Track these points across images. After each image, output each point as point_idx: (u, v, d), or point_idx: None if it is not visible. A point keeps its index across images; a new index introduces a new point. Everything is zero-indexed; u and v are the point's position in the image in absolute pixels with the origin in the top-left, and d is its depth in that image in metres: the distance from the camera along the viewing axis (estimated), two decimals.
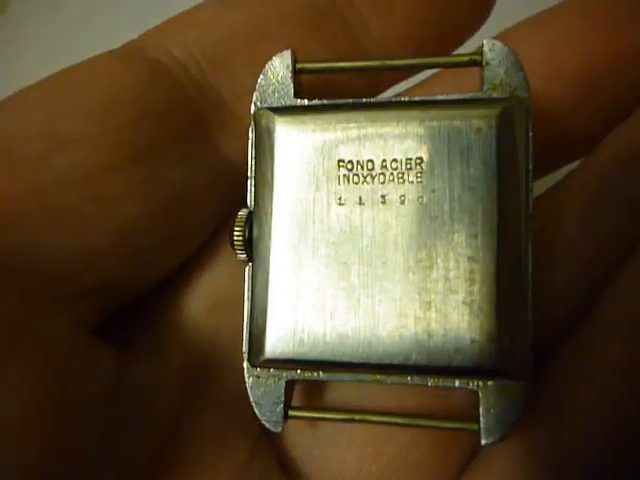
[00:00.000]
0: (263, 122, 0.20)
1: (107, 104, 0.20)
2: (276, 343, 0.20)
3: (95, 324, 0.21)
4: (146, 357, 0.22)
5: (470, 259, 0.19)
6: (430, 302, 0.19)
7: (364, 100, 0.20)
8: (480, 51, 0.20)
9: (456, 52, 0.24)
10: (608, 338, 0.20)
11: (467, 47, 0.23)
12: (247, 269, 0.21)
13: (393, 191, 0.19)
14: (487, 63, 0.20)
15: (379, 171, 0.20)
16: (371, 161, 0.20)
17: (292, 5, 0.22)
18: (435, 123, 0.19)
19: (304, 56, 0.21)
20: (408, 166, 0.19)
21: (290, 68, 0.21)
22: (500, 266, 0.19)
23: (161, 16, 0.23)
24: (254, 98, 0.21)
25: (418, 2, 0.23)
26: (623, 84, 0.22)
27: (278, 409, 0.20)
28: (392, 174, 0.19)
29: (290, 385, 0.21)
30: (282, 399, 0.20)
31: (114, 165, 0.19)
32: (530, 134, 0.19)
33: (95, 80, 0.20)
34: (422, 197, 0.19)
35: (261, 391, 0.20)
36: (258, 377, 0.20)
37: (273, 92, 0.21)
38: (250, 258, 0.20)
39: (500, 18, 0.24)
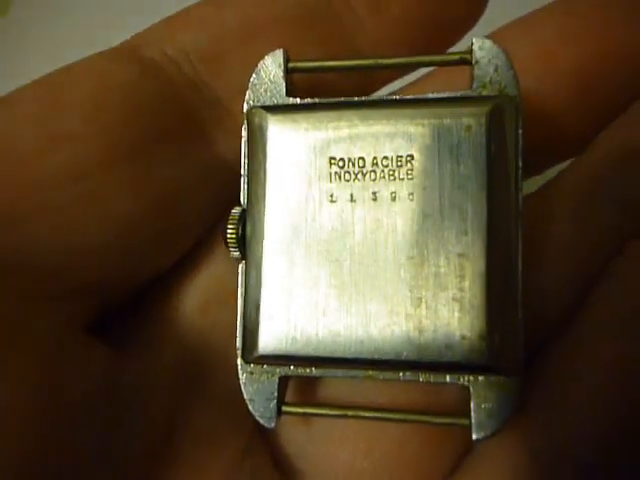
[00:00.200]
0: (256, 120, 0.21)
1: (99, 103, 0.20)
2: (269, 340, 0.20)
3: (89, 323, 0.21)
4: (140, 355, 0.22)
5: (460, 256, 0.19)
6: (421, 299, 0.19)
7: (356, 99, 0.20)
8: (470, 50, 0.20)
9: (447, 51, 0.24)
10: (598, 337, 0.20)
11: (463, 46, 0.23)
12: (241, 266, 0.21)
13: (384, 188, 0.20)
14: (477, 61, 0.20)
15: (370, 168, 0.20)
16: (362, 159, 0.20)
17: (286, 4, 0.22)
18: (425, 121, 0.19)
19: (298, 55, 0.21)
20: (399, 163, 0.20)
21: (282, 67, 0.21)
22: (490, 263, 0.19)
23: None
24: (247, 97, 0.21)
25: (413, 1, 0.23)
26: (615, 84, 0.22)
27: (271, 405, 0.21)
28: (383, 171, 0.20)
29: (283, 381, 0.21)
30: (275, 395, 0.21)
31: (106, 163, 0.20)
32: (520, 131, 0.20)
33: (87, 79, 0.20)
34: (413, 194, 0.19)
35: (255, 387, 0.21)
36: (252, 373, 0.21)
37: (265, 91, 0.21)
38: (243, 256, 0.21)
39: (494, 17, 0.25)
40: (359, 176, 0.20)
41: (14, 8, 0.46)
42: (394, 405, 0.22)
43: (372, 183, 0.20)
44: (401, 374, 0.20)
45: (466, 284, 0.19)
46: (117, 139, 0.20)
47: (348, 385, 0.22)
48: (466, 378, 0.19)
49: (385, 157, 0.20)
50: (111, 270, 0.21)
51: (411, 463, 0.22)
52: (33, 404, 0.18)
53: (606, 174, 0.21)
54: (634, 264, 0.21)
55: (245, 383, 0.21)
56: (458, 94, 0.20)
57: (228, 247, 0.20)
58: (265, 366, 0.21)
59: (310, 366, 0.20)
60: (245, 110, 0.21)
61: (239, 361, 0.21)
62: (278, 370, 0.20)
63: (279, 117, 0.20)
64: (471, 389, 0.19)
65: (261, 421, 0.21)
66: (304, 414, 0.22)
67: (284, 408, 0.21)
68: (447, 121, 0.19)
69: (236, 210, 0.21)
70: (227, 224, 0.20)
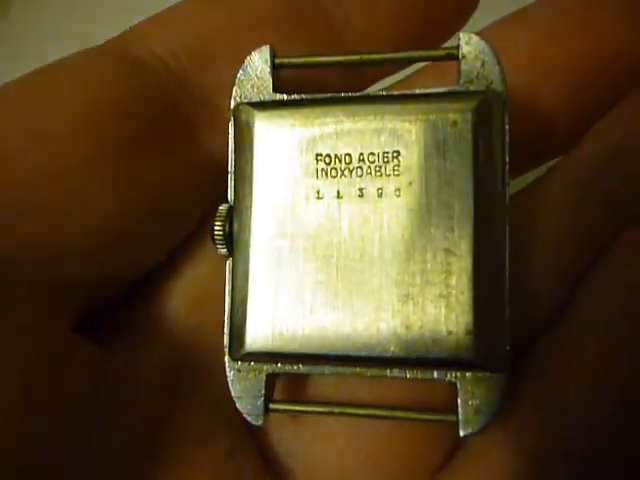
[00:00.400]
0: (242, 117, 0.21)
1: (85, 101, 0.20)
2: (256, 337, 0.20)
3: (75, 321, 0.21)
4: (127, 354, 0.22)
5: (447, 251, 0.19)
6: (408, 295, 0.19)
7: (342, 94, 0.20)
8: (457, 45, 0.20)
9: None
10: (585, 336, 0.20)
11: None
12: (228, 263, 0.21)
13: (370, 184, 0.19)
14: (463, 57, 0.20)
15: (357, 165, 0.20)
16: (349, 155, 0.20)
17: (274, 1, 0.22)
18: (412, 117, 0.19)
19: (286, 52, 0.21)
20: (385, 160, 0.19)
21: (269, 63, 0.21)
22: (477, 259, 0.19)
23: None
24: (234, 93, 0.21)
25: None
26: (604, 80, 0.22)
27: (259, 402, 0.21)
28: (369, 167, 0.20)
29: (271, 378, 0.21)
30: (263, 392, 0.20)
31: (91, 161, 0.20)
32: (507, 127, 0.19)
33: (73, 77, 0.20)
34: (399, 190, 0.19)
35: (242, 385, 0.21)
36: (239, 370, 0.21)
37: (252, 87, 0.21)
38: (231, 252, 0.21)
39: (485, 13, 0.25)
40: (346, 172, 0.20)
41: (14, 8, 0.46)
42: (382, 402, 0.22)
43: (359, 179, 0.20)
44: (388, 371, 0.20)
45: (453, 280, 0.19)
46: (102, 137, 0.20)
47: (336, 382, 0.22)
48: (453, 374, 0.19)
49: (372, 153, 0.20)
50: (96, 268, 0.21)
51: (399, 460, 0.22)
52: (16, 402, 0.18)
53: (595, 172, 0.21)
54: (622, 263, 0.21)
55: (232, 380, 0.21)
56: (444, 90, 0.20)
57: (215, 244, 0.20)
58: (252, 363, 0.20)
59: (297, 363, 0.20)
60: (232, 106, 0.21)
61: (226, 358, 0.21)
62: (265, 367, 0.20)
63: (266, 114, 0.20)
64: (458, 385, 0.19)
65: (249, 419, 0.21)
66: (291, 411, 0.22)
67: (271, 405, 0.21)
68: (433, 117, 0.19)
69: (223, 207, 0.21)
70: (214, 221, 0.20)
